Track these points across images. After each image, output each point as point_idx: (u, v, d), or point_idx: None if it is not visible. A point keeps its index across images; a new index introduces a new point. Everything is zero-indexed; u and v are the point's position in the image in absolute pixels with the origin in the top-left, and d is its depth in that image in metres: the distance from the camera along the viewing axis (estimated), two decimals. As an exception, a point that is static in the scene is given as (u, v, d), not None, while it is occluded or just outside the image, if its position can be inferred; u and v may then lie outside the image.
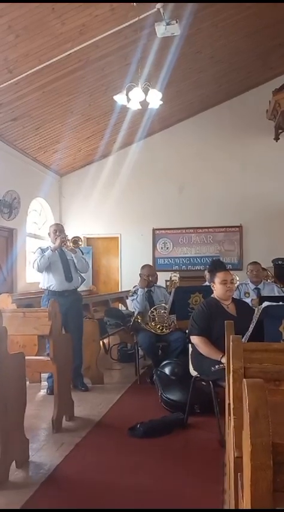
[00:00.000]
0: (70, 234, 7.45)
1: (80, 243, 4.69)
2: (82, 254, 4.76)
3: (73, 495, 2.42)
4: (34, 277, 8.59)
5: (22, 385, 2.79)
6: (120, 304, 8.08)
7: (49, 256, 4.49)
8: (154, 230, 9.47)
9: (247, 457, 0.72)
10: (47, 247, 4.61)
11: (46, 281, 4.61)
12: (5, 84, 5.69)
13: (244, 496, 0.77)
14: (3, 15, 4.62)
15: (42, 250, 4.58)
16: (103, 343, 6.09)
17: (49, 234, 4.78)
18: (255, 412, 0.72)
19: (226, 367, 2.35)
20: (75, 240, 4.64)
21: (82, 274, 4.85)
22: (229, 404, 1.62)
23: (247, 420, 0.74)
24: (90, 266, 9.00)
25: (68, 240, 4.58)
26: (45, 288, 4.62)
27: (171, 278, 8.00)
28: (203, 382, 3.45)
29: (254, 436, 0.70)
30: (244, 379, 0.79)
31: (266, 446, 0.69)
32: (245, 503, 0.75)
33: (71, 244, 4.59)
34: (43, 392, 4.57)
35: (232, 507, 1.25)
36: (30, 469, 2.74)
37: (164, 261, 9.46)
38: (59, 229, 4.68)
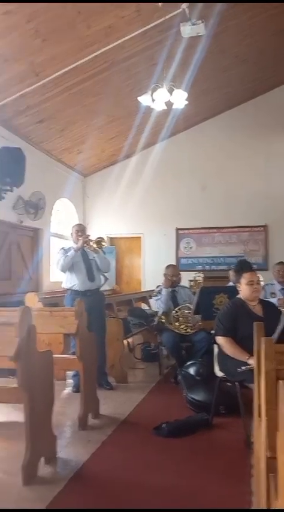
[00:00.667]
0: (93, 233, 7.55)
1: (104, 243, 4.74)
2: (104, 254, 4.80)
3: (101, 491, 2.47)
4: (58, 276, 8.71)
5: (50, 382, 2.85)
6: (143, 304, 8.10)
7: (72, 257, 4.56)
8: (177, 230, 9.46)
9: (283, 457, 0.73)
10: (69, 248, 4.68)
11: (69, 281, 4.67)
12: (31, 87, 5.79)
13: (279, 497, 0.78)
14: (30, 20, 4.70)
15: (65, 251, 4.65)
16: (127, 342, 6.13)
17: (71, 234, 4.84)
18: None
19: (254, 368, 2.34)
20: (99, 241, 4.69)
21: (105, 274, 4.90)
22: (259, 405, 1.62)
23: (282, 422, 0.75)
24: (113, 266, 9.07)
25: (91, 240, 4.63)
26: (68, 287, 4.69)
27: (195, 278, 7.98)
28: (228, 383, 3.44)
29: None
30: (280, 381, 0.80)
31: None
32: (280, 503, 0.76)
33: (95, 244, 4.64)
34: (68, 390, 4.64)
35: (263, 507, 1.26)
36: (58, 465, 2.80)
37: (187, 261, 9.44)
38: (81, 230, 4.75)
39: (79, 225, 4.97)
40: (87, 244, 4.61)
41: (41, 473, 2.65)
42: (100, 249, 4.67)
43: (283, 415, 0.74)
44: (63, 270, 4.64)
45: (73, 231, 4.77)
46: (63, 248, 4.75)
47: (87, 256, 4.69)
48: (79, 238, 4.62)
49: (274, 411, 0.90)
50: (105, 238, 4.77)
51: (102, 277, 4.84)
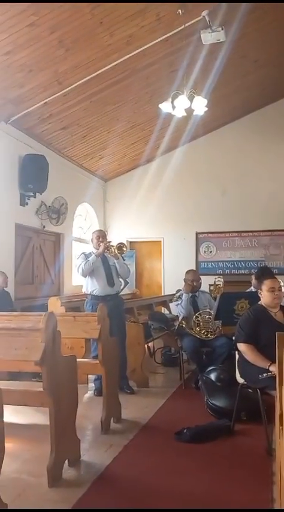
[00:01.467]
0: (114, 237, 7.64)
1: (125, 249, 4.81)
2: (124, 260, 4.87)
3: (124, 494, 2.51)
4: (79, 280, 8.83)
5: (74, 386, 2.92)
6: (163, 308, 8.14)
7: (93, 262, 4.64)
8: (197, 234, 9.48)
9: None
10: (90, 253, 4.76)
11: (89, 286, 4.76)
12: (55, 95, 5.93)
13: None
14: (55, 30, 4.82)
15: (86, 256, 4.73)
16: (148, 346, 6.18)
17: (92, 239, 4.92)
18: None
19: (276, 376, 2.36)
20: (120, 246, 4.76)
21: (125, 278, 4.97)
22: (281, 414, 1.65)
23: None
24: (133, 270, 9.14)
25: (112, 246, 4.71)
26: (89, 292, 4.77)
27: (214, 282, 7.96)
28: (250, 390, 3.45)
29: None
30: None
31: None
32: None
33: (116, 250, 4.71)
34: (90, 394, 4.71)
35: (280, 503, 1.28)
36: (82, 467, 2.86)
37: (207, 265, 9.44)
38: (101, 235, 4.82)
39: (99, 230, 5.05)
40: (108, 250, 4.69)
41: (65, 475, 2.71)
42: (121, 254, 4.74)
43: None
44: (84, 275, 4.72)
45: (94, 237, 4.84)
46: (83, 253, 4.83)
47: (107, 261, 4.76)
48: (100, 244, 4.69)
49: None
50: (125, 242, 4.84)
51: (121, 281, 4.91)
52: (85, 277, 4.75)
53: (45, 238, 7.56)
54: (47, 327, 2.62)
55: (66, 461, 2.80)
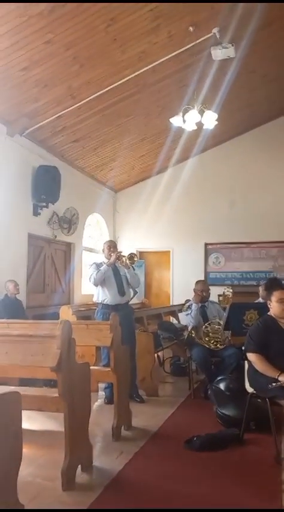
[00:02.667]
0: (123, 247, 7.74)
1: (136, 259, 4.90)
2: (134, 270, 4.97)
3: (135, 500, 2.57)
4: (89, 289, 8.94)
5: (87, 392, 3.00)
6: (171, 318, 8.20)
7: (104, 271, 4.73)
8: (206, 244, 9.55)
9: None
10: (101, 263, 4.86)
11: (100, 295, 4.85)
12: (68, 109, 6.10)
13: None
14: (70, 47, 4.99)
15: (97, 265, 4.83)
16: (157, 356, 6.24)
17: (103, 250, 5.02)
18: None
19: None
20: (131, 256, 4.86)
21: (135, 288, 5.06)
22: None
23: None
24: (143, 279, 9.23)
25: (123, 256, 4.81)
26: (100, 301, 4.86)
27: (224, 293, 8.03)
28: (259, 399, 3.50)
29: None
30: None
31: None
32: None
33: (127, 260, 4.81)
34: (100, 402, 4.77)
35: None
36: (94, 473, 2.93)
37: (216, 275, 9.51)
38: (112, 246, 4.93)
39: (110, 241, 5.15)
40: (119, 260, 4.79)
41: (78, 480, 2.78)
42: (132, 265, 4.83)
43: None
44: (96, 284, 4.82)
45: (105, 247, 4.95)
46: (95, 263, 4.93)
47: (118, 271, 4.86)
48: (112, 254, 4.80)
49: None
50: (135, 252, 4.96)
51: (131, 291, 5.00)
52: (96, 286, 4.84)
53: (56, 247, 7.70)
54: (63, 334, 2.71)
55: (79, 466, 2.87)
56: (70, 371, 2.74)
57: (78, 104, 6.07)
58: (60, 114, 6.17)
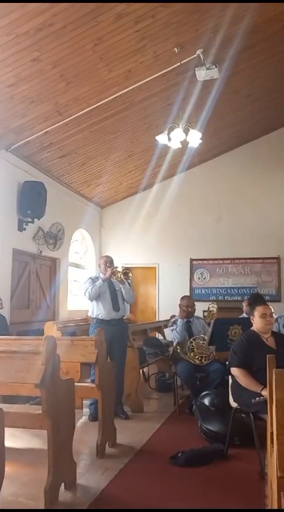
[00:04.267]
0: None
1: (130, 275, 4.93)
2: (130, 286, 5.00)
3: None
4: (75, 305, 8.90)
5: (71, 409, 2.98)
6: (157, 334, 8.20)
7: (99, 286, 4.78)
8: (191, 260, 9.62)
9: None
10: (97, 277, 4.90)
11: (95, 310, 4.88)
12: (55, 125, 6.15)
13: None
14: (57, 65, 5.06)
15: (92, 280, 4.88)
16: (143, 372, 6.21)
17: (99, 265, 5.07)
18: (298, 433, 0.87)
19: (268, 399, 2.45)
20: (126, 272, 4.90)
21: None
22: (271, 433, 1.74)
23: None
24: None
25: (118, 271, 4.84)
26: (94, 316, 4.88)
27: (208, 308, 8.05)
28: (243, 414, 3.52)
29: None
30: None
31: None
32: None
33: (122, 275, 4.84)
34: (84, 419, 4.73)
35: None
36: (78, 491, 2.89)
37: (201, 291, 9.56)
38: (109, 261, 4.97)
39: (107, 256, 5.17)
40: (115, 275, 4.82)
41: (61, 498, 2.75)
42: (127, 280, 4.87)
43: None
44: (91, 299, 4.86)
45: (102, 262, 5.00)
46: (90, 278, 5.01)
47: (113, 286, 4.91)
48: (108, 269, 4.83)
49: (285, 435, 1.04)
50: (120, 268, 5.00)
51: (126, 306, 5.03)
52: (91, 301, 4.89)
53: (41, 263, 7.66)
54: (47, 349, 2.70)
55: (63, 485, 2.83)
56: (54, 387, 2.73)
57: (65, 121, 6.12)
58: (47, 130, 6.21)
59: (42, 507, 2.59)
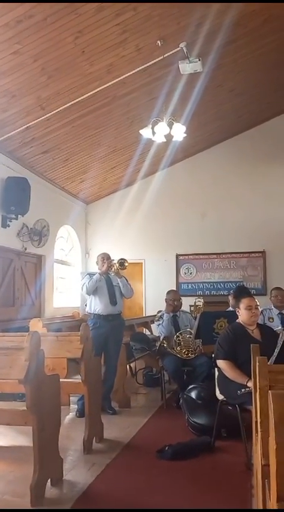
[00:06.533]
0: (95, 259, 7.67)
1: (126, 264, 4.89)
2: (127, 281, 4.98)
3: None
4: (61, 302, 8.85)
5: (57, 405, 2.95)
6: (144, 329, 8.19)
7: (97, 280, 4.77)
8: (177, 256, 9.63)
9: (272, 454, 0.86)
10: (94, 273, 4.91)
11: (92, 305, 4.87)
12: (37, 120, 6.07)
13: (271, 492, 0.90)
14: (38, 58, 4.99)
15: (90, 275, 4.88)
16: (130, 367, 6.21)
17: (97, 262, 5.04)
18: (279, 417, 0.87)
19: (253, 389, 2.46)
20: (122, 262, 4.86)
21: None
22: (256, 422, 1.74)
23: (272, 424, 0.88)
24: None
25: (115, 263, 4.83)
26: (91, 311, 4.87)
27: (195, 303, 8.08)
28: (229, 406, 3.53)
29: (278, 436, 0.84)
30: (270, 391, 0.93)
31: (289, 445, 0.83)
32: (272, 498, 0.88)
33: (118, 265, 4.81)
34: (72, 415, 4.70)
35: (261, 515, 1.36)
36: (64, 487, 2.87)
37: (188, 286, 9.57)
38: (106, 257, 4.95)
39: (104, 253, 5.12)
40: (111, 268, 4.80)
41: (47, 495, 2.72)
42: (123, 269, 4.83)
43: (272, 419, 0.87)
44: (88, 293, 4.85)
45: (99, 259, 4.98)
46: (88, 273, 5.03)
47: (110, 281, 4.91)
48: (104, 263, 4.83)
49: (268, 422, 1.03)
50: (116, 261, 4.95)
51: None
52: (89, 295, 4.89)
53: (26, 260, 7.58)
54: (31, 345, 2.66)
55: (49, 481, 2.81)
56: (39, 383, 2.69)
57: (47, 115, 6.05)
58: (29, 125, 6.13)
59: (28, 504, 2.56)
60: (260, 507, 1.37)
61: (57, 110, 6.02)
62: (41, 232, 7.67)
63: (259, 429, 1.39)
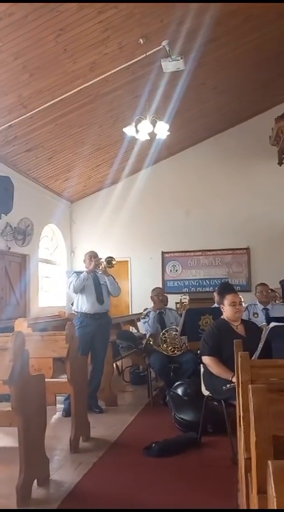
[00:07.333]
0: (81, 258, 7.66)
1: (114, 262, 4.88)
2: (114, 279, 4.97)
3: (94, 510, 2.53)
4: (47, 301, 8.79)
5: (42, 405, 2.94)
6: (131, 327, 8.20)
7: (84, 278, 4.75)
8: (163, 253, 9.66)
9: (253, 447, 0.88)
10: (81, 271, 4.89)
11: (79, 304, 4.85)
12: (19, 118, 6.02)
13: (253, 485, 0.92)
14: (18, 57, 4.95)
15: (77, 274, 4.86)
16: (116, 365, 6.20)
17: (84, 260, 5.01)
18: (259, 410, 0.88)
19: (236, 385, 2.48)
20: (109, 260, 4.85)
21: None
22: (239, 416, 1.76)
23: (252, 418, 0.89)
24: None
25: (102, 262, 4.81)
26: (78, 310, 4.84)
27: (181, 300, 8.11)
28: (215, 402, 3.56)
29: (258, 429, 0.86)
30: (250, 385, 0.95)
31: (268, 438, 0.84)
32: (254, 490, 0.90)
33: (105, 263, 4.80)
34: (58, 414, 4.68)
35: (244, 508, 1.38)
36: (51, 486, 2.86)
37: (174, 284, 9.61)
38: (93, 255, 4.93)
39: (92, 251, 5.10)
40: (98, 266, 4.78)
41: (34, 495, 2.70)
42: (110, 267, 4.82)
43: (252, 412, 0.88)
44: (76, 291, 4.82)
45: (86, 258, 4.95)
46: (75, 271, 5.02)
47: (98, 280, 4.89)
48: (92, 262, 4.82)
49: (249, 416, 1.04)
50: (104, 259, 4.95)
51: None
52: (76, 293, 4.86)
53: (10, 259, 7.52)
54: (15, 345, 2.64)
55: (35, 481, 2.79)
56: (23, 383, 2.68)
57: (29, 113, 6.01)
58: (11, 123, 6.08)
59: (14, 505, 2.54)
60: (244, 501, 1.39)
61: (39, 108, 5.98)
62: (25, 231, 7.61)
63: (242, 423, 1.41)
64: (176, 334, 5.02)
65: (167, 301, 5.64)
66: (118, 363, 6.45)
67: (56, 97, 5.88)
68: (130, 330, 7.87)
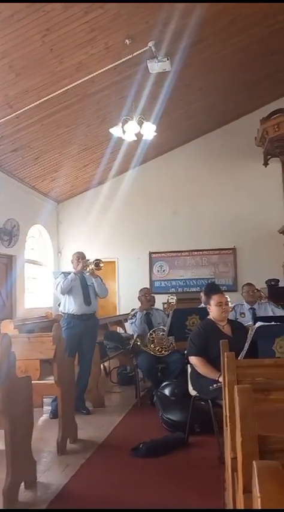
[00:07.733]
0: (68, 258, 7.63)
1: (101, 264, 4.87)
2: (102, 281, 4.96)
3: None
4: (33, 303, 8.73)
5: (29, 407, 2.92)
6: (118, 328, 8.19)
7: (72, 279, 4.73)
8: (150, 253, 9.67)
9: (239, 446, 0.89)
10: (69, 272, 4.86)
11: (66, 305, 4.83)
12: (5, 118, 5.97)
13: (239, 485, 0.93)
14: (4, 56, 4.91)
15: (65, 275, 4.83)
16: (103, 366, 6.19)
17: (72, 261, 4.99)
18: (244, 410, 0.89)
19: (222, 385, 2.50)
20: (97, 263, 4.84)
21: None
22: (226, 416, 1.78)
23: (238, 418, 0.91)
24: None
25: (90, 263, 4.80)
26: (65, 311, 4.82)
27: (168, 300, 8.13)
28: (202, 402, 3.58)
29: (243, 429, 0.87)
30: (235, 386, 0.96)
31: (253, 437, 0.85)
32: (240, 490, 0.91)
33: (93, 266, 4.78)
34: (45, 416, 4.66)
35: (231, 507, 1.40)
36: (38, 489, 2.85)
37: (161, 284, 9.63)
38: (81, 256, 4.92)
39: (79, 252, 5.09)
40: (86, 268, 4.76)
41: (21, 498, 2.69)
42: (98, 269, 4.81)
43: (238, 412, 0.89)
44: (63, 292, 4.80)
45: (74, 258, 4.93)
46: (63, 272, 4.98)
47: (85, 281, 4.88)
48: (79, 263, 4.79)
49: (235, 416, 1.06)
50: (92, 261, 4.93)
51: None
52: (63, 294, 4.84)
53: (-4, 260, 7.45)
54: (2, 347, 2.63)
55: (23, 484, 2.78)
56: (10, 386, 2.66)
57: (16, 113, 5.95)
58: (-3, 123, 6.04)
59: (0, 508, 2.52)
60: (231, 501, 1.40)
61: (25, 108, 5.93)
62: (11, 232, 7.55)
63: (228, 423, 1.42)
64: (163, 335, 5.04)
65: (154, 301, 5.66)
66: (106, 363, 6.44)
67: (42, 97, 5.84)
68: (118, 331, 7.87)
